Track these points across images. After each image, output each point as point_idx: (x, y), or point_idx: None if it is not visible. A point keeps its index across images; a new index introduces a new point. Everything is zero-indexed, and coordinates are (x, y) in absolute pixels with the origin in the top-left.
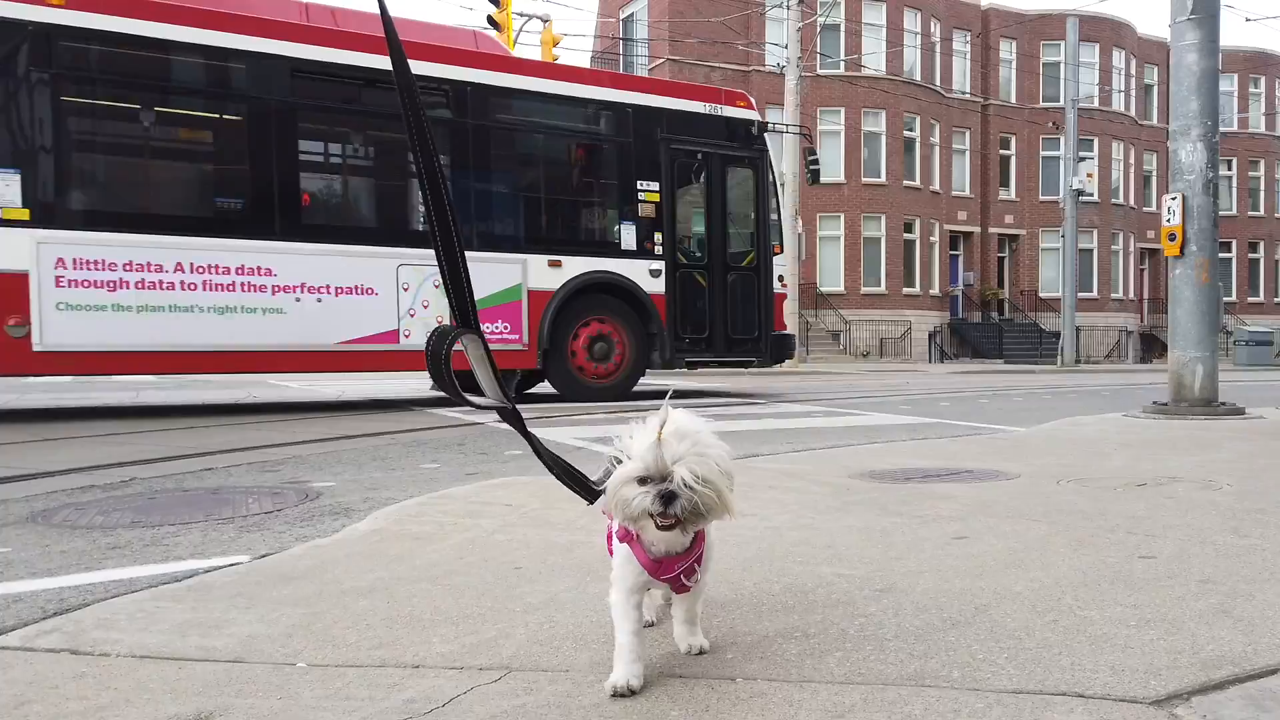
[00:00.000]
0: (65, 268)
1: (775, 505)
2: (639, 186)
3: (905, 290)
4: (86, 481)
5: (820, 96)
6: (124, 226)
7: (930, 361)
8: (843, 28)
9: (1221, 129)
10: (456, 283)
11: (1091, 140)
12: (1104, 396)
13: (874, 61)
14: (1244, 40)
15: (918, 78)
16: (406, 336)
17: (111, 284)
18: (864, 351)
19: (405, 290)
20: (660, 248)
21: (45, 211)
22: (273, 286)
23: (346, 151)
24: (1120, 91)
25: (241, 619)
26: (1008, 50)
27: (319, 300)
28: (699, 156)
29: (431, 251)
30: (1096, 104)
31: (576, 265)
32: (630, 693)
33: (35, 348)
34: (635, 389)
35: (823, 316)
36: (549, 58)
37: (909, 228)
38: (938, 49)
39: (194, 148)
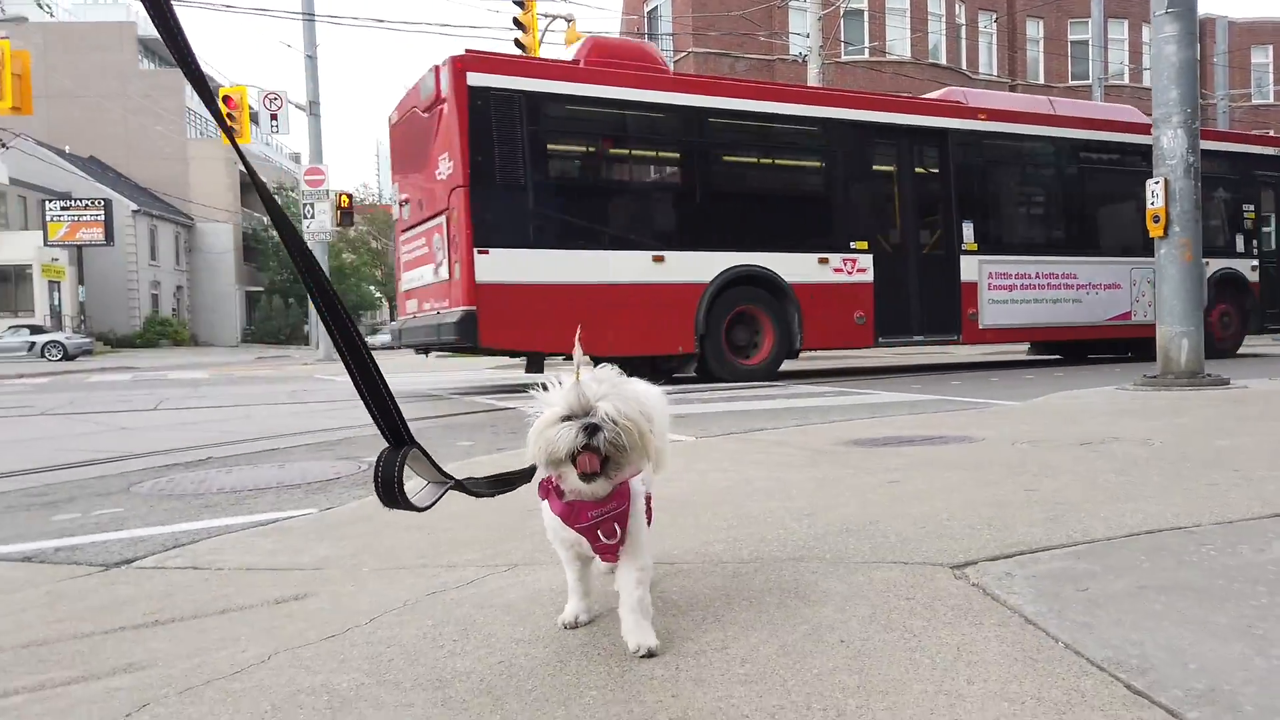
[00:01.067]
0: (992, 279)
1: (756, 465)
2: (1243, 209)
3: None
4: (170, 460)
5: (845, 83)
6: (1013, 252)
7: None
8: (866, 14)
9: (1256, 100)
10: (378, 399)
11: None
12: (1115, 374)
13: (899, 47)
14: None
15: (943, 60)
16: (1133, 315)
17: (1009, 286)
18: None
19: (1133, 285)
20: (1255, 250)
21: (982, 245)
22: (1076, 285)
23: (1102, 197)
24: (1149, 69)
25: (317, 546)
26: (1034, 30)
27: (1096, 294)
28: (1270, 184)
29: (1143, 259)
30: (1127, 80)
31: (1215, 265)
32: (577, 625)
33: (980, 327)
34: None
35: None
36: None
37: None
38: (963, 31)
39: (1047, 199)
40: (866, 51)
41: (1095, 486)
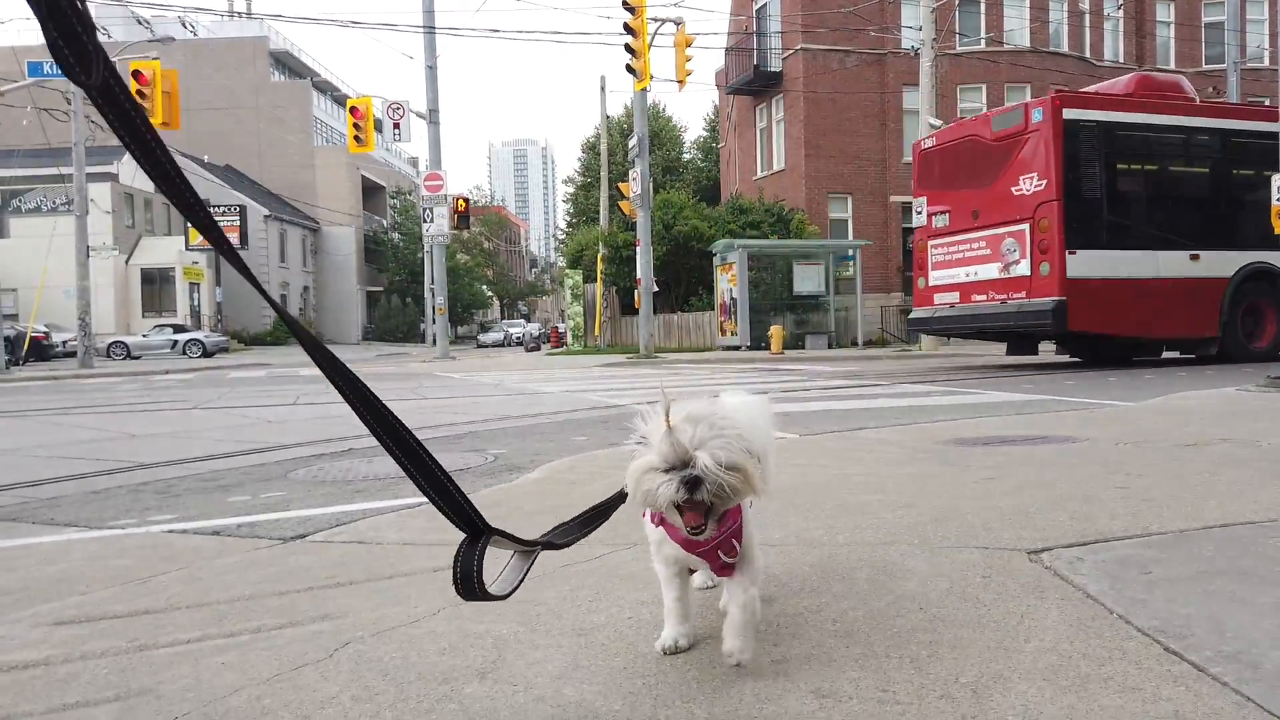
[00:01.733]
0: None
1: (855, 462)
2: None
3: None
4: (316, 451)
5: (960, 75)
6: None
7: None
8: (982, 3)
9: None
10: (432, 480)
11: (1260, 102)
12: (1242, 373)
13: (1017, 36)
14: None
15: (1064, 48)
16: None
17: None
18: None
19: None
20: None
21: None
22: None
23: None
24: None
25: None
26: (1164, 13)
27: None
28: None
29: None
30: (1266, 63)
31: None
32: (677, 650)
33: None
34: None
35: None
36: (682, 60)
37: None
38: (1086, 17)
39: None
40: (983, 42)
41: (1187, 485)
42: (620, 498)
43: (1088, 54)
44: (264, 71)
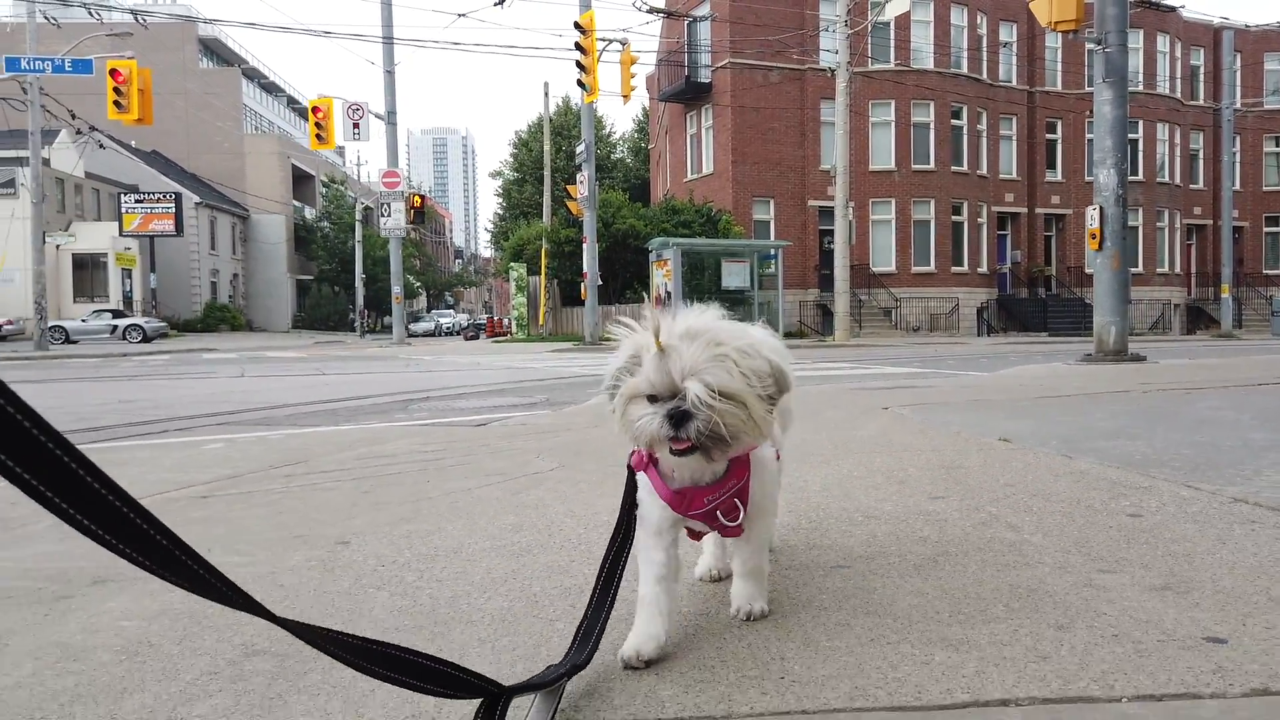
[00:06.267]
0: None
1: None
2: None
3: (954, 269)
4: (401, 399)
5: (872, 91)
6: None
7: (978, 335)
8: (892, 26)
9: (1269, 105)
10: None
11: (1136, 122)
12: (1070, 355)
13: (923, 58)
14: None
15: (965, 69)
16: None
17: None
18: (914, 326)
19: None
20: None
21: None
22: None
23: None
24: (1165, 77)
25: (574, 419)
26: (1053, 39)
27: None
28: None
29: None
30: (1141, 87)
31: None
32: (641, 663)
33: None
34: None
35: (875, 294)
36: (627, 77)
37: (957, 210)
38: (984, 41)
39: None
40: (893, 62)
41: (981, 390)
42: (622, 550)
43: (985, 76)
44: (192, 57)
